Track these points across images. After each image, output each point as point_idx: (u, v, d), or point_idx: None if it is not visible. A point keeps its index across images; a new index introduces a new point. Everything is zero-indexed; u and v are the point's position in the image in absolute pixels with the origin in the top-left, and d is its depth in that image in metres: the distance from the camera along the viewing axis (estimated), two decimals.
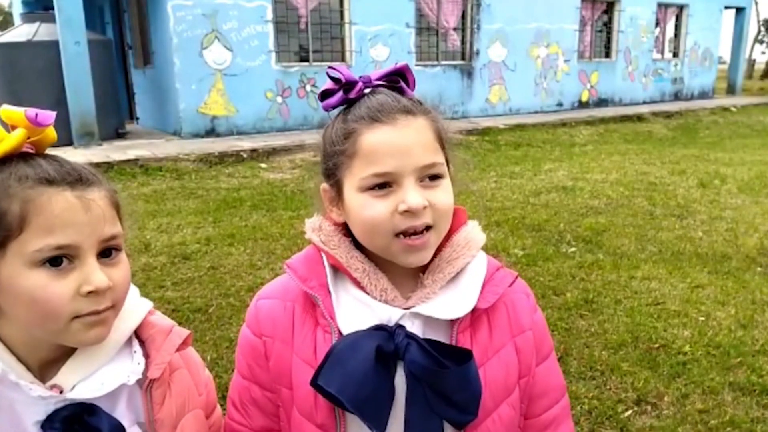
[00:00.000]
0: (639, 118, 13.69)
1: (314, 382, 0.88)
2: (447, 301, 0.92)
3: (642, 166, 8.39)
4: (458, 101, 13.04)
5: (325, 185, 0.95)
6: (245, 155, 8.78)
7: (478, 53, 13.21)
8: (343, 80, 0.91)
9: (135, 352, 0.89)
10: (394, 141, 0.86)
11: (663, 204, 6.29)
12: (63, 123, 9.02)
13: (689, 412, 2.67)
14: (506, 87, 13.81)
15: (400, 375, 0.89)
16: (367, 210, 0.88)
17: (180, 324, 3.59)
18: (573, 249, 4.87)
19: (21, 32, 9.59)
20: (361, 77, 0.93)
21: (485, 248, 1.02)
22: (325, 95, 0.94)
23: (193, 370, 1.01)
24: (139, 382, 0.88)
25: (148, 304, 0.94)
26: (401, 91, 0.93)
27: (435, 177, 0.89)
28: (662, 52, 17.26)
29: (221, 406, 1.12)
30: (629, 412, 2.69)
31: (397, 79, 0.93)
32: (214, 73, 10.13)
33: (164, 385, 0.91)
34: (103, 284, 0.79)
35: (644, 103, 16.46)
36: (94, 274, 0.79)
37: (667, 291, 3.99)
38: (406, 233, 0.87)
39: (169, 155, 8.32)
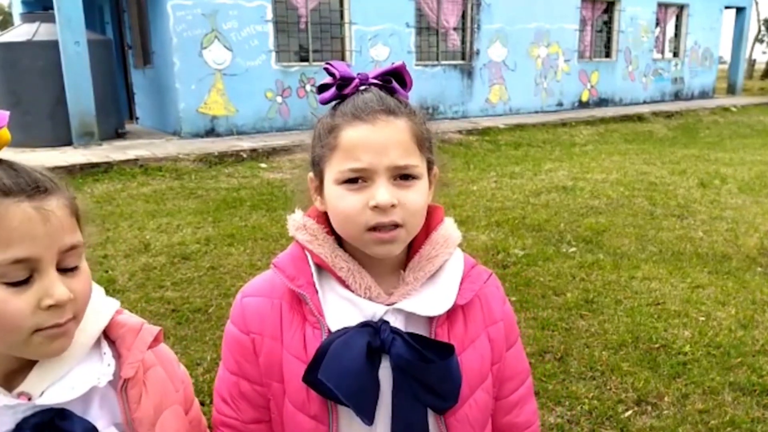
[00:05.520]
0: (639, 118, 13.69)
1: (309, 378, 0.92)
2: (427, 298, 0.97)
3: (642, 166, 8.39)
4: (458, 101, 13.03)
5: (311, 174, 1.01)
6: (245, 155, 8.78)
7: (478, 53, 13.21)
8: (338, 76, 0.95)
9: (105, 353, 0.88)
10: (371, 139, 0.90)
11: (663, 204, 6.29)
12: (63, 123, 9.02)
13: (689, 413, 2.67)
14: (506, 87, 13.80)
15: (385, 367, 0.94)
16: (341, 202, 0.92)
17: (180, 324, 3.55)
18: (573, 249, 4.87)
19: (21, 32, 9.59)
20: (359, 74, 0.96)
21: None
22: (322, 89, 0.98)
23: (168, 367, 1.00)
24: (112, 382, 0.87)
25: (114, 304, 0.92)
26: (392, 91, 0.96)
27: (408, 177, 0.92)
28: (662, 52, 17.26)
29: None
30: (629, 412, 2.69)
31: (390, 79, 0.96)
32: (214, 72, 10.13)
33: (139, 384, 0.89)
34: (63, 297, 0.77)
35: (644, 102, 16.46)
36: (54, 287, 0.77)
37: (668, 291, 3.99)
38: (376, 228, 0.91)
39: (169, 155, 8.32)
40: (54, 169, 8.28)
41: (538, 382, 2.88)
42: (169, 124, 10.50)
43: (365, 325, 0.94)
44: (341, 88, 0.95)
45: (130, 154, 8.33)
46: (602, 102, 15.68)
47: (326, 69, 0.97)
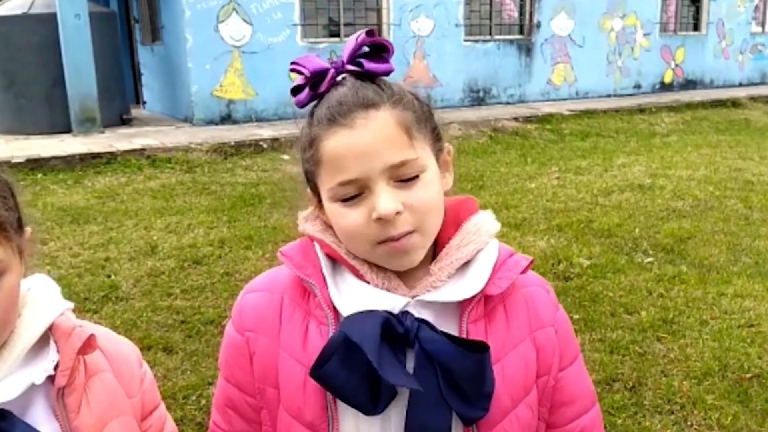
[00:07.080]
0: (734, 103, 13.54)
1: (317, 373, 0.92)
2: (454, 288, 0.98)
3: (737, 161, 8.28)
4: (514, 83, 12.98)
5: (309, 191, 1.03)
6: (265, 145, 8.92)
7: (539, 26, 13.13)
8: (308, 74, 0.95)
9: (47, 357, 0.94)
10: (354, 144, 0.91)
11: (762, 207, 6.19)
12: (61, 107, 9.30)
13: None
14: (572, 66, 13.69)
15: (408, 360, 0.94)
16: (342, 220, 0.94)
17: (190, 337, 3.63)
18: (650, 259, 4.84)
19: (15, 4, 9.92)
20: (333, 63, 0.97)
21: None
22: (296, 91, 0.98)
23: (124, 371, 1.06)
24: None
25: (58, 307, 0.98)
26: (371, 77, 0.96)
27: (409, 177, 0.93)
28: (763, 25, 16.89)
29: None
30: None
31: (361, 65, 0.95)
32: (232, 50, 10.31)
33: (78, 391, 0.96)
34: None
35: (740, 85, 16.17)
36: None
37: (764, 311, 3.93)
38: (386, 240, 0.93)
39: (180, 145, 8.51)
40: (50, 159, 8.33)
41: (605, 415, 2.87)
42: (180, 110, 10.73)
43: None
44: (315, 87, 0.96)
45: (136, 144, 8.56)
46: (689, 84, 15.43)
47: (293, 69, 0.97)
